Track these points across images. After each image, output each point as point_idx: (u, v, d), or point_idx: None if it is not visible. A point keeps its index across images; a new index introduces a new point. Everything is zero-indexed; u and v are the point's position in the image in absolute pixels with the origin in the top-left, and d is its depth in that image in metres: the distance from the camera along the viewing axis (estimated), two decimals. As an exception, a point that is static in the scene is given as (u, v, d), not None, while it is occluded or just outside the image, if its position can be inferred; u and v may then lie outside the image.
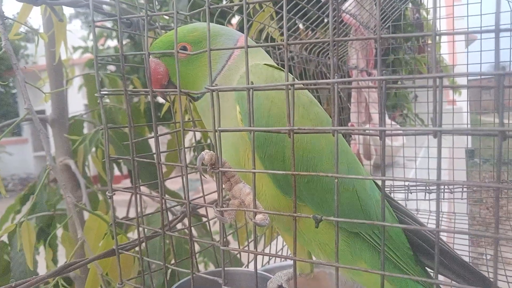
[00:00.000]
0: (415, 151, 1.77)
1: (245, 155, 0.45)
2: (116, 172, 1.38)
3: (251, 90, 0.35)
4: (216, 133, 0.37)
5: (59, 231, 1.01)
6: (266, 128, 0.36)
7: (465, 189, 1.38)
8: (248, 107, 0.35)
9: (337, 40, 0.32)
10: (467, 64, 1.59)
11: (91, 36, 3.20)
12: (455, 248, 1.14)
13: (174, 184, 1.14)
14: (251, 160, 0.36)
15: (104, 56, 0.48)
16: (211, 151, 0.38)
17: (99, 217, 0.66)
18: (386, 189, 1.40)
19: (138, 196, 0.47)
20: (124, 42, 2.90)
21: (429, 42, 3.74)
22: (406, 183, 1.40)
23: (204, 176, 0.40)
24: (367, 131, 0.39)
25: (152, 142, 1.28)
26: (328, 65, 1.55)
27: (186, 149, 0.93)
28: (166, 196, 1.05)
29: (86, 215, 1.07)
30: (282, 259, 0.81)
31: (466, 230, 0.31)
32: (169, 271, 0.86)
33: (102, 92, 0.45)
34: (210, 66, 0.37)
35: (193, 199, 0.58)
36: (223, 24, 0.85)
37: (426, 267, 0.51)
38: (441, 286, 0.30)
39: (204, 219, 0.69)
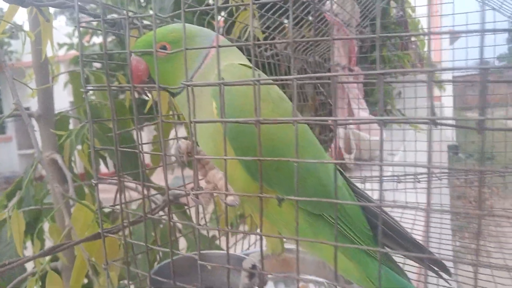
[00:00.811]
0: (393, 145, 1.83)
1: (222, 146, 0.49)
2: (103, 169, 1.40)
3: (222, 85, 0.39)
4: (192, 124, 0.41)
5: (46, 226, 1.04)
6: (235, 119, 0.40)
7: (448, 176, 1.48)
8: (220, 100, 0.39)
9: (297, 40, 0.36)
10: (453, 61, 1.65)
11: (76, 33, 3.19)
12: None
13: (161, 181, 1.18)
14: (223, 149, 0.40)
15: (89, 54, 0.51)
16: (187, 141, 0.42)
17: (85, 206, 0.69)
18: (376, 179, 1.46)
19: (121, 183, 0.51)
20: (109, 39, 2.91)
21: (413, 39, 3.80)
22: (396, 173, 1.47)
23: (180, 163, 0.44)
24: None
25: (136, 135, 1.31)
26: (309, 63, 1.60)
27: (170, 142, 0.97)
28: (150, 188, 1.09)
29: (72, 208, 1.10)
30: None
31: (409, 205, 0.36)
32: (153, 258, 0.90)
33: (87, 88, 0.48)
34: (186, 64, 0.41)
35: (173, 188, 0.62)
36: (205, 20, 0.88)
37: (386, 247, 0.56)
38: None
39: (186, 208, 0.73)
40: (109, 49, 2.75)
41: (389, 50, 3.28)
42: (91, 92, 1.39)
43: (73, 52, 3.29)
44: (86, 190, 1.17)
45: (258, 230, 0.49)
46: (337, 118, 0.35)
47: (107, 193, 1.29)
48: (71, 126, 1.31)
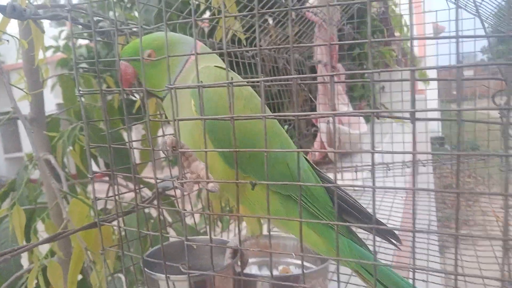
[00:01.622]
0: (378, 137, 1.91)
1: (200, 139, 0.55)
2: (94, 168, 1.45)
3: (200, 87, 0.45)
4: (176, 122, 0.47)
5: (39, 226, 1.09)
6: (213, 117, 0.46)
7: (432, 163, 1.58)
8: (199, 101, 0.45)
9: (263, 48, 0.43)
10: (437, 55, 1.72)
11: (62, 35, 3.21)
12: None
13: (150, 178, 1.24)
14: (203, 142, 0.46)
15: (82, 61, 0.56)
16: (172, 136, 0.48)
17: (81, 200, 0.75)
18: (368, 167, 1.54)
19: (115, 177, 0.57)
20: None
21: (397, 33, 3.89)
22: (385, 162, 1.56)
23: (167, 156, 0.50)
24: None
25: (125, 136, 1.37)
26: (290, 61, 1.66)
27: (158, 139, 1.02)
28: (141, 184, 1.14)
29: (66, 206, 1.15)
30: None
31: (363, 184, 0.42)
32: (146, 247, 0.96)
33: (81, 92, 0.54)
34: (169, 70, 0.47)
35: (161, 180, 0.68)
36: (187, 26, 0.94)
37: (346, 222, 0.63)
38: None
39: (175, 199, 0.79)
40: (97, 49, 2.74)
41: (372, 47, 3.36)
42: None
43: (59, 55, 3.30)
44: (78, 189, 1.23)
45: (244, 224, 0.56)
46: (297, 114, 0.42)
47: (98, 193, 1.35)
48: (60, 128, 1.36)
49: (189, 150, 0.49)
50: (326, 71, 2.13)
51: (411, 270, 0.41)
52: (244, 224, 0.73)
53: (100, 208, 1.39)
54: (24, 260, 1.13)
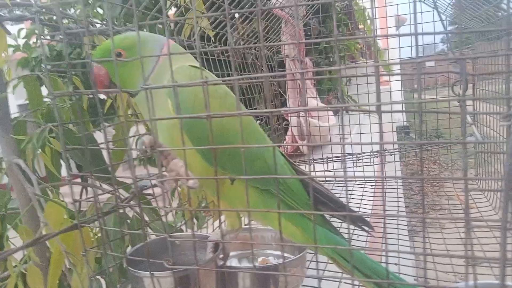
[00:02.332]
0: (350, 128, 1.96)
1: (179, 138, 0.56)
2: (64, 172, 1.42)
3: (176, 87, 0.46)
4: (152, 121, 0.48)
5: (11, 233, 1.06)
6: (190, 115, 0.47)
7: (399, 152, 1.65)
8: (175, 100, 0.46)
9: (235, 48, 0.44)
10: (399, 48, 1.79)
11: (21, 34, 3.09)
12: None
13: (123, 179, 1.23)
14: (181, 141, 0.47)
15: (50, 63, 0.56)
16: (150, 136, 0.49)
17: (56, 203, 0.74)
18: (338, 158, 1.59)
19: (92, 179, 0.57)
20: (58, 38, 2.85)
21: (361, 26, 3.98)
22: (354, 152, 1.61)
23: (144, 156, 0.51)
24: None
25: (97, 137, 1.35)
26: (259, 56, 1.68)
27: (130, 139, 1.02)
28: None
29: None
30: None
31: (335, 174, 0.45)
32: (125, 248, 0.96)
33: (54, 94, 0.54)
34: (143, 70, 0.48)
35: (140, 179, 0.68)
36: (155, 26, 0.94)
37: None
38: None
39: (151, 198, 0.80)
40: (59, 50, 2.67)
41: (337, 41, 3.44)
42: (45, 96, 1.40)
43: (19, 54, 3.19)
44: (50, 192, 1.20)
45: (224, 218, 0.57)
46: (271, 110, 0.43)
47: (71, 196, 1.32)
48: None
49: (167, 148, 0.50)
50: (294, 65, 2.16)
51: (383, 254, 0.44)
52: (222, 218, 0.75)
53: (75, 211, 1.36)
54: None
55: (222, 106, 0.57)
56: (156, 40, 0.62)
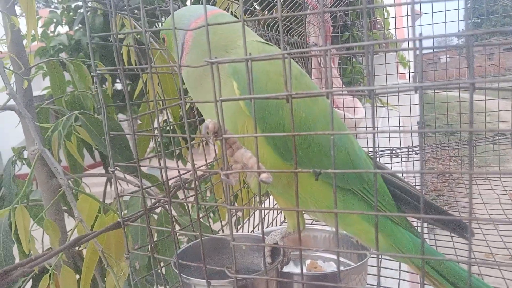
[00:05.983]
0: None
1: (244, 127, 0.48)
2: (88, 161, 1.36)
3: (250, 61, 0.38)
4: (218, 103, 0.40)
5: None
6: (265, 95, 0.39)
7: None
8: (248, 76, 0.38)
9: (286, 15, 0.36)
10: (415, 39, 1.70)
11: (39, 24, 3.05)
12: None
13: (151, 171, 1.17)
14: (253, 126, 0.39)
15: (95, 35, 0.48)
16: (214, 121, 0.41)
17: (90, 197, 0.67)
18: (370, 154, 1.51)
19: (139, 168, 0.49)
20: (77, 27, 2.79)
21: (379, 19, 3.91)
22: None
23: (209, 142, 0.43)
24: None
25: (123, 126, 1.28)
26: (291, 43, 1.59)
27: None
28: (143, 180, 1.06)
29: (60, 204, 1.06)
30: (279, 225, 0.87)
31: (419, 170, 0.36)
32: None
33: (98, 71, 0.46)
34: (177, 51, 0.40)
35: (184, 173, 0.61)
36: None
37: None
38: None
39: (192, 193, 0.72)
40: (77, 38, 2.59)
41: (359, 30, 3.34)
42: (69, 84, 1.33)
43: (37, 44, 3.15)
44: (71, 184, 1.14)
45: (284, 219, 0.49)
46: (331, 90, 0.35)
47: (95, 187, 1.26)
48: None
49: (234, 135, 0.42)
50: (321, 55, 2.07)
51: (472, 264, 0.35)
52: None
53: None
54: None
55: (297, 88, 0.48)
56: (190, 13, 0.53)
